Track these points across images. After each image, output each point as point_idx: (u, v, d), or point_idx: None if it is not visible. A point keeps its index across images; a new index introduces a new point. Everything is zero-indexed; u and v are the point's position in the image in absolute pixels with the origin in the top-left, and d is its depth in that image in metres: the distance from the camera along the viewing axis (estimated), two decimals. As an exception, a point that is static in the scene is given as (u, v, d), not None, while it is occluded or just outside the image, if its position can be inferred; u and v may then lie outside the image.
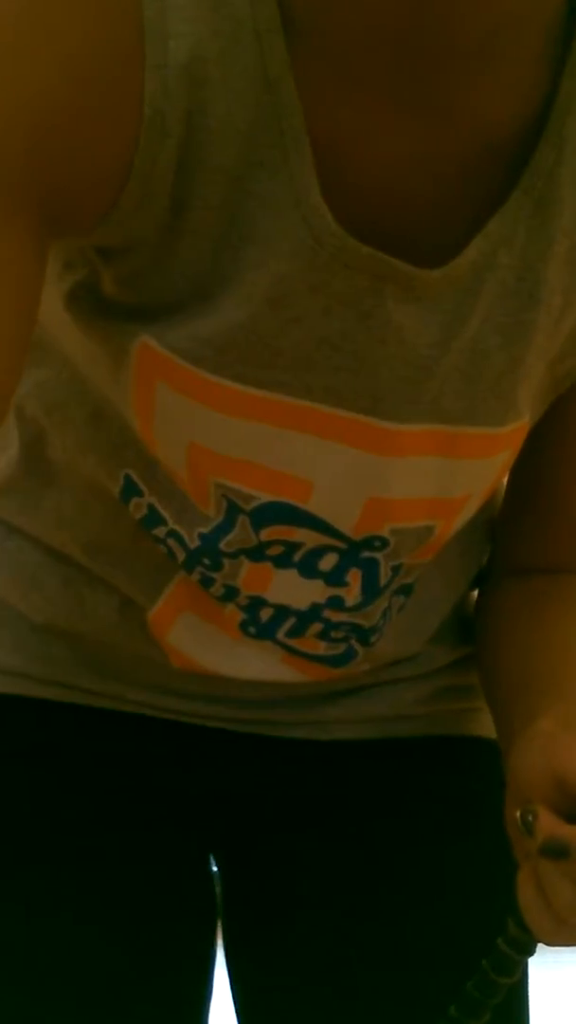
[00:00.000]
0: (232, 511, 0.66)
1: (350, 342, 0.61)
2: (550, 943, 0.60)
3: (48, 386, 0.71)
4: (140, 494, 0.69)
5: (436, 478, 0.66)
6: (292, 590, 0.70)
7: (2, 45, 0.53)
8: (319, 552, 0.68)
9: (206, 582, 0.70)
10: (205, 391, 0.62)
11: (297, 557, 0.68)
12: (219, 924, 0.82)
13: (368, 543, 0.68)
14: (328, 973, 0.75)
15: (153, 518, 0.69)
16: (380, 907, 0.77)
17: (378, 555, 0.68)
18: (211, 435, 0.64)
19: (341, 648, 0.74)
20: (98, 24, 0.54)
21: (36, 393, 0.71)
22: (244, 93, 0.56)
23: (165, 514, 0.69)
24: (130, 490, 0.70)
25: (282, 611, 0.71)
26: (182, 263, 0.59)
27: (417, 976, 0.74)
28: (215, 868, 0.84)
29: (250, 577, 0.69)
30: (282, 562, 0.68)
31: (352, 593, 0.70)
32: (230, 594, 0.70)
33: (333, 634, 0.72)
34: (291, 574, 0.69)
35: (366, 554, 0.68)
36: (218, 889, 0.83)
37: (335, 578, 0.69)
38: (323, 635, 0.72)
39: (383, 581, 0.70)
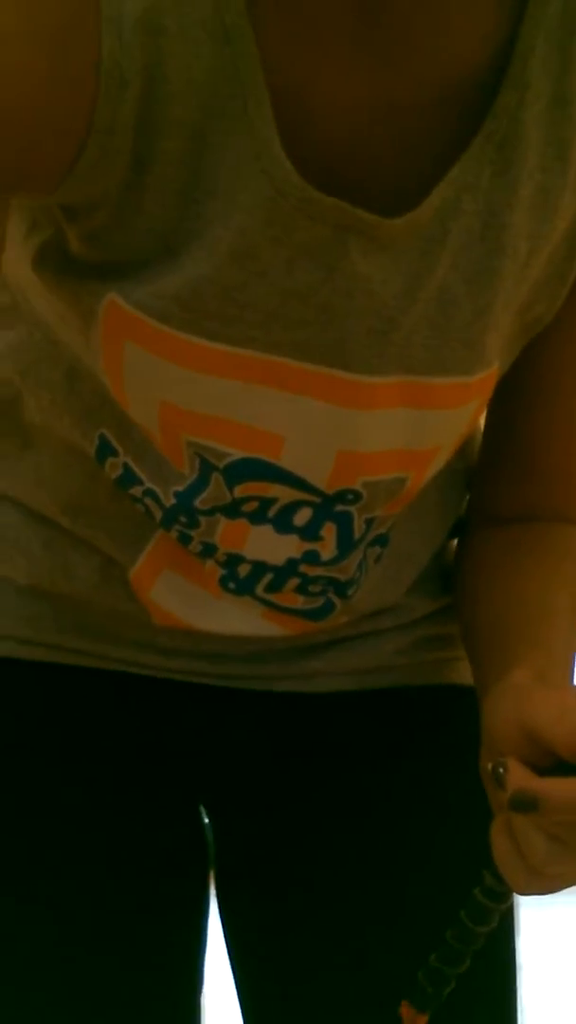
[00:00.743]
0: (205, 468, 0.67)
1: (316, 295, 0.61)
2: (524, 893, 0.63)
3: (21, 348, 0.74)
4: (115, 454, 0.71)
5: (406, 430, 0.67)
6: (268, 546, 0.71)
7: None
8: (293, 507, 0.69)
9: (184, 539, 0.72)
10: (173, 348, 0.62)
11: (272, 513, 0.70)
12: (211, 873, 0.87)
13: (341, 497, 0.69)
14: (317, 914, 0.79)
15: (129, 477, 0.71)
16: (367, 851, 0.80)
17: (351, 508, 0.70)
18: (181, 393, 0.64)
19: (319, 602, 0.76)
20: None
21: (9, 355, 0.74)
22: (201, 44, 0.56)
23: (140, 473, 0.71)
24: (105, 450, 0.71)
25: (260, 567, 0.72)
26: (146, 219, 0.60)
27: (404, 916, 0.77)
28: (206, 820, 0.88)
29: (226, 534, 0.71)
30: (257, 518, 0.70)
31: (327, 547, 0.72)
32: (208, 551, 0.72)
33: (311, 588, 0.74)
34: (266, 530, 0.70)
35: (339, 508, 0.70)
36: (210, 838, 0.87)
37: (310, 533, 0.71)
38: (301, 589, 0.75)
39: (357, 534, 0.71)
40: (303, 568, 0.72)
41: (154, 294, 0.61)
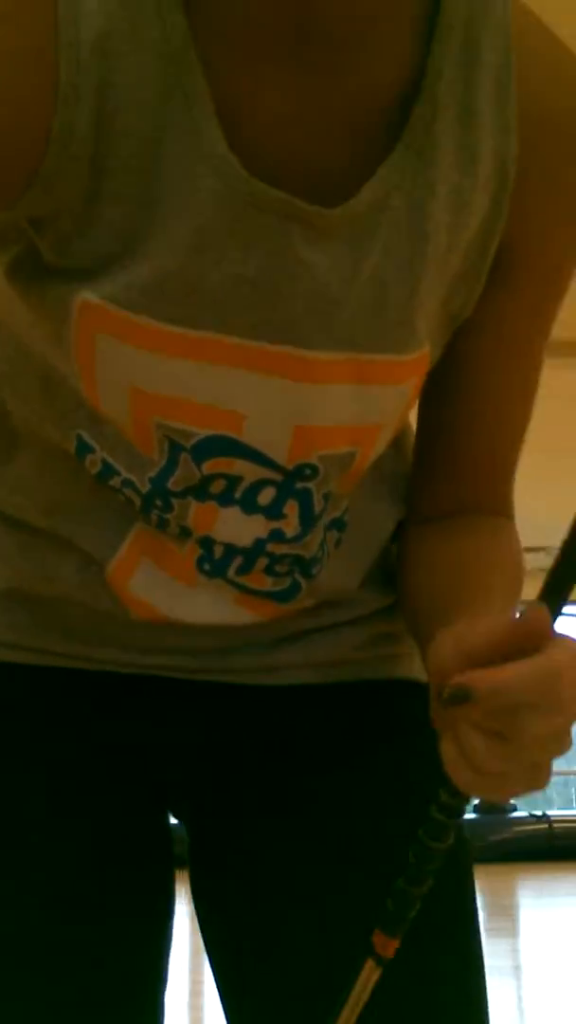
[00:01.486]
0: (174, 450, 0.72)
1: (266, 280, 0.67)
2: (473, 794, 0.63)
3: None
4: (92, 451, 0.74)
5: (353, 404, 0.72)
6: (237, 527, 0.75)
7: None
8: (257, 486, 0.74)
9: (162, 524, 0.76)
10: (142, 335, 0.67)
11: (238, 494, 0.74)
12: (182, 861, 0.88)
13: (300, 472, 0.73)
14: (283, 886, 0.81)
15: (107, 471, 0.74)
16: (326, 828, 0.83)
17: (310, 484, 0.74)
18: (149, 377, 0.69)
19: (286, 583, 0.79)
20: (18, 10, 0.61)
21: None
22: (150, 64, 0.63)
23: (117, 465, 0.74)
24: (83, 449, 0.74)
25: (230, 549, 0.76)
26: (108, 223, 0.65)
27: (357, 878, 0.80)
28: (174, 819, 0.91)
29: (198, 517, 0.74)
30: (225, 500, 0.74)
31: (291, 525, 0.76)
32: (184, 533, 0.76)
33: (278, 568, 0.78)
34: (234, 511, 0.74)
35: (300, 485, 0.74)
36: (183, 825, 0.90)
37: (274, 511, 0.75)
38: (269, 570, 0.78)
39: (317, 510, 0.76)
40: (270, 547, 0.76)
41: (123, 287, 0.66)
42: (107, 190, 0.63)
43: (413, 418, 0.83)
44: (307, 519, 0.75)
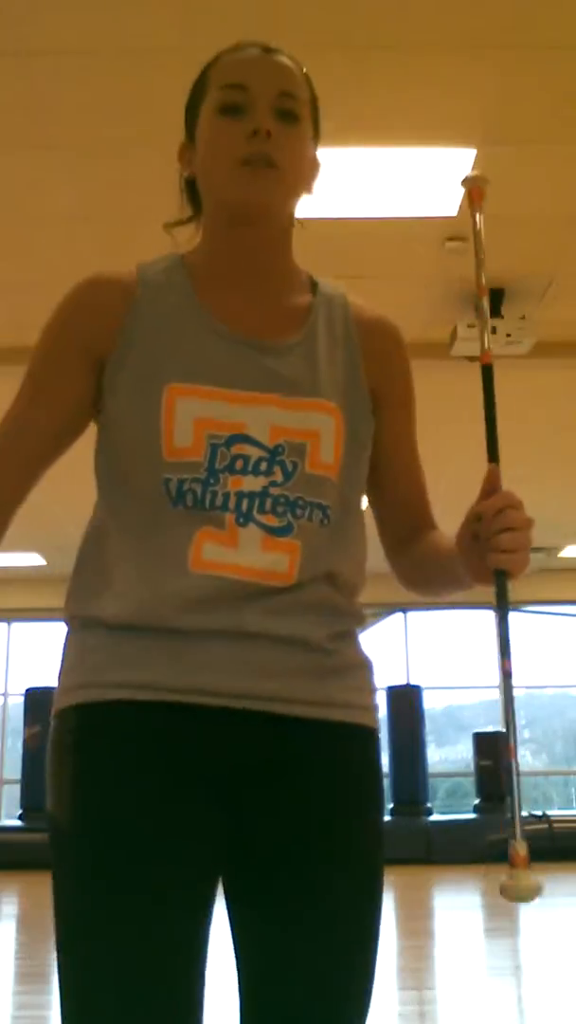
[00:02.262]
0: (213, 448, 1.29)
1: (251, 373, 1.33)
2: (510, 566, 1.23)
3: (113, 498, 1.38)
4: (171, 479, 1.29)
5: (297, 417, 1.33)
6: (250, 483, 1.30)
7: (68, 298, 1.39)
8: (258, 460, 1.30)
9: (213, 498, 1.29)
10: (199, 392, 1.31)
11: (249, 466, 1.30)
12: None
13: (277, 449, 1.31)
14: (293, 878, 1.25)
15: (180, 485, 1.29)
16: (322, 844, 1.28)
17: (283, 457, 1.31)
18: (203, 411, 1.30)
19: (285, 521, 1.30)
20: (100, 301, 1.37)
21: (106, 508, 1.40)
22: (172, 292, 1.37)
23: (184, 476, 1.29)
24: (167, 483, 1.29)
25: (251, 496, 1.29)
26: (149, 357, 1.33)
27: (342, 881, 1.26)
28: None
29: (233, 482, 1.29)
30: (243, 470, 1.30)
31: (278, 477, 1.31)
32: (226, 499, 1.29)
33: (278, 508, 1.30)
34: (249, 476, 1.30)
35: (278, 457, 1.31)
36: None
37: (268, 471, 1.31)
38: (273, 510, 1.30)
39: (290, 469, 1.31)
40: (271, 491, 1.30)
41: (185, 375, 1.31)
42: (137, 346, 1.34)
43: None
44: (286, 474, 1.31)
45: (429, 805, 11.22)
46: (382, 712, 11.64)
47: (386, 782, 11.75)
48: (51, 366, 1.37)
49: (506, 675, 1.25)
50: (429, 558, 1.40)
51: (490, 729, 11.62)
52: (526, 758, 13.55)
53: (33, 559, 11.11)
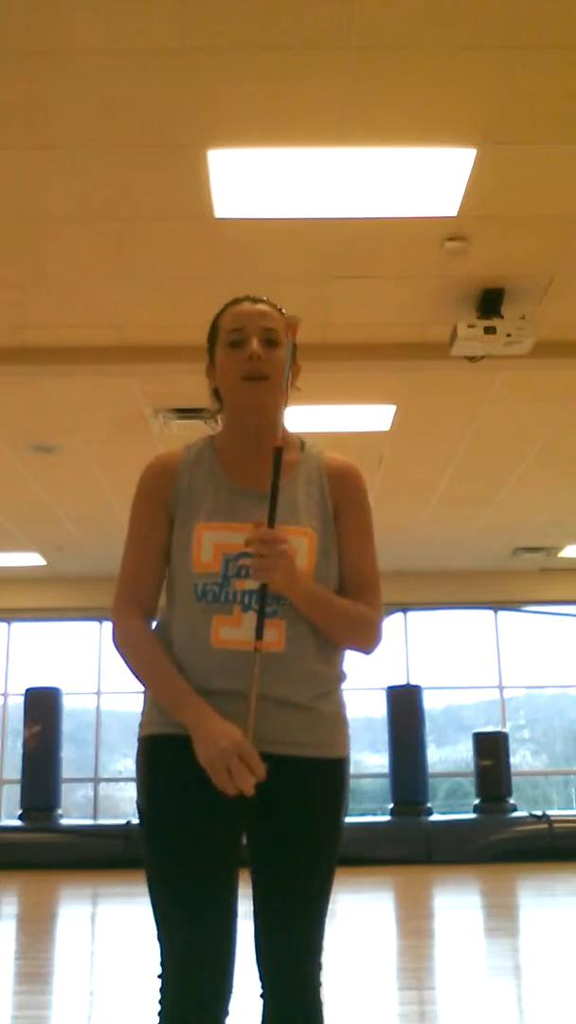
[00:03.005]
0: (226, 564, 1.97)
1: (252, 513, 1.96)
2: (261, 576, 1.91)
3: (170, 593, 2.07)
4: (199, 583, 1.98)
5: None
6: (251, 583, 1.94)
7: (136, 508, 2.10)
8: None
9: (228, 597, 1.96)
10: (218, 527, 1.99)
11: (247, 572, 1.95)
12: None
13: None
14: (281, 867, 1.98)
15: (205, 586, 1.97)
16: (292, 843, 2.00)
17: None
18: (222, 539, 1.98)
19: (273, 608, 1.95)
20: (161, 482, 2.08)
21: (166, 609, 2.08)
22: (202, 464, 2.09)
23: (208, 582, 1.97)
24: (196, 587, 1.98)
25: (250, 593, 1.95)
26: (183, 506, 2.06)
27: (308, 837, 1.99)
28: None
29: (239, 584, 1.96)
30: (245, 576, 1.96)
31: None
32: (234, 595, 1.96)
33: (267, 601, 1.93)
34: (249, 580, 1.95)
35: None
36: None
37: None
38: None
39: None
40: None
41: (207, 515, 2.01)
42: (179, 500, 2.05)
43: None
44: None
45: (429, 805, 11.21)
46: (382, 712, 11.68)
47: (386, 782, 11.79)
48: (148, 527, 2.07)
49: None
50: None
51: (490, 729, 11.62)
52: (526, 758, 13.56)
53: (33, 559, 11.12)
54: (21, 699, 11.55)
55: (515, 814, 10.90)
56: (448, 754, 13.68)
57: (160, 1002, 1.89)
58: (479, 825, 10.78)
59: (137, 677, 1.99)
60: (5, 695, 12.51)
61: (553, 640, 12.62)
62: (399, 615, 12.41)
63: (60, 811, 11.02)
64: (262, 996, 1.95)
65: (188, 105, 3.85)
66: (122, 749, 12.77)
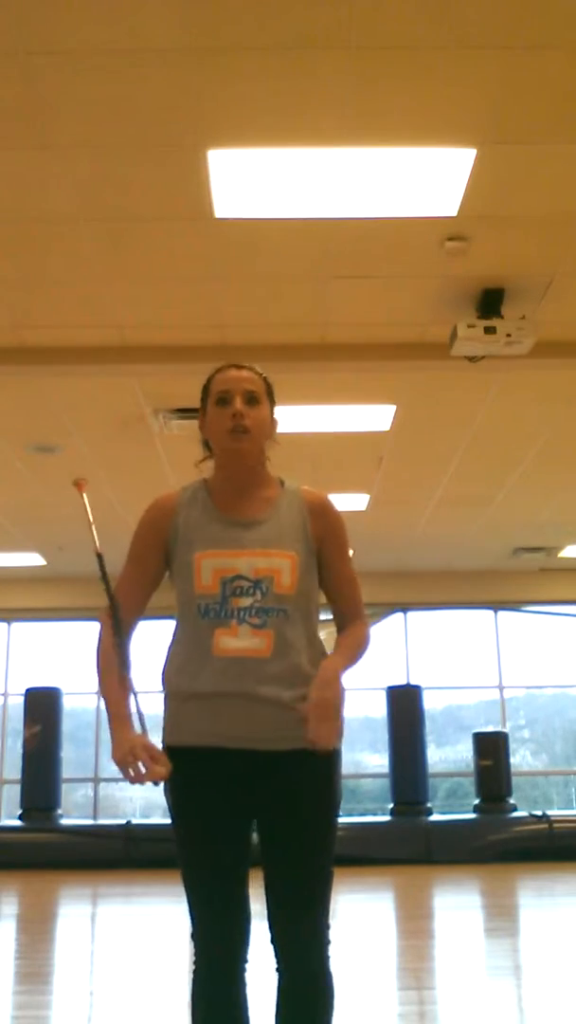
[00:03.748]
0: (224, 585, 2.38)
1: (241, 541, 2.42)
2: (326, 741, 2.34)
3: (178, 611, 2.48)
4: (201, 603, 2.38)
5: (266, 560, 2.41)
6: (245, 601, 2.38)
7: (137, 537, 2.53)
8: (248, 588, 2.38)
9: (228, 614, 2.36)
10: (214, 554, 2.40)
11: (243, 592, 2.39)
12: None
13: (259, 581, 2.38)
14: (284, 858, 2.36)
15: (208, 605, 2.38)
16: (292, 832, 2.38)
17: (262, 585, 2.38)
18: (220, 565, 2.38)
19: (262, 620, 2.37)
20: (160, 517, 2.51)
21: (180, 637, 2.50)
22: (197, 503, 2.50)
23: (209, 603, 2.37)
24: (199, 606, 2.38)
25: (245, 609, 2.38)
26: (181, 543, 2.47)
27: (307, 821, 2.36)
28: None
29: (235, 601, 2.38)
30: (240, 594, 2.39)
31: (259, 596, 2.38)
32: (231, 612, 2.37)
33: (260, 614, 2.37)
34: (244, 598, 2.38)
35: (260, 585, 2.38)
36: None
37: (253, 593, 2.38)
38: (256, 615, 2.37)
39: (265, 591, 2.38)
40: (255, 605, 2.37)
41: (204, 545, 2.42)
42: (178, 535, 2.47)
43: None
44: (263, 594, 2.37)
45: (429, 805, 11.21)
46: (382, 712, 11.68)
47: (386, 782, 11.79)
48: (143, 550, 2.48)
49: None
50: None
51: (490, 729, 11.62)
52: (526, 758, 13.56)
53: (33, 559, 11.11)
54: (21, 699, 11.55)
55: (515, 814, 10.90)
56: (448, 754, 13.68)
57: (193, 951, 2.34)
58: (479, 825, 10.77)
59: (97, 678, 2.45)
60: (5, 695, 12.51)
61: (553, 640, 12.62)
62: (399, 615, 12.41)
63: (60, 811, 11.02)
64: (277, 970, 2.31)
65: (188, 105, 3.86)
66: (122, 749, 12.73)
